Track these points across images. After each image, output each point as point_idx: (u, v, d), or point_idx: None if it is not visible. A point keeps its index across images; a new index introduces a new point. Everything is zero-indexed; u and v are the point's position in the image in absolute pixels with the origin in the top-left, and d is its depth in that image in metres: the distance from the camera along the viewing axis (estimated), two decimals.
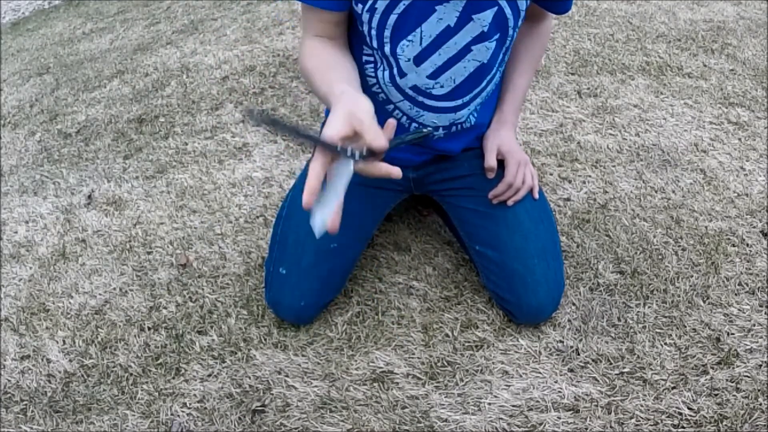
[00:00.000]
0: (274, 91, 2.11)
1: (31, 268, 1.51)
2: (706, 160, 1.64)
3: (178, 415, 1.14)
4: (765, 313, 1.23)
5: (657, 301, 1.27)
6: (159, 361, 1.24)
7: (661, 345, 1.19)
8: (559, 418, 1.08)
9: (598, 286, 1.31)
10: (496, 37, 1.03)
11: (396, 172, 0.81)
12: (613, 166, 1.64)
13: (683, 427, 1.05)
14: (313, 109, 1.98)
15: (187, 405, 1.16)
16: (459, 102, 1.10)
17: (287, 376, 1.19)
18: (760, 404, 1.07)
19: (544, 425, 1.07)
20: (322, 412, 1.12)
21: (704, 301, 1.26)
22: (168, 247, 1.51)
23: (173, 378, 1.21)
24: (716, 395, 1.10)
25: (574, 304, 1.27)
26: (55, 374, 1.24)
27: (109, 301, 1.39)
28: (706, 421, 1.06)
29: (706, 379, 1.12)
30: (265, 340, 1.26)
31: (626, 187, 1.57)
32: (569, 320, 1.24)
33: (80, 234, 1.59)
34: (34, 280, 1.47)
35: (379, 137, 0.78)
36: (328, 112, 1.31)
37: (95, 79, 2.44)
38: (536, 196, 1.22)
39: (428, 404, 1.12)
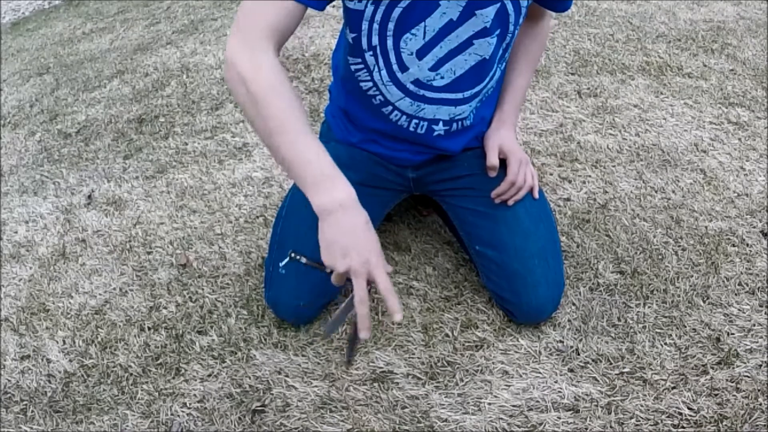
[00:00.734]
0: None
1: (31, 268, 1.51)
2: (706, 160, 1.64)
3: (178, 415, 1.14)
4: (765, 313, 1.23)
5: (657, 301, 1.27)
6: (159, 361, 1.24)
7: (661, 345, 1.19)
8: (559, 418, 1.08)
9: (598, 286, 1.31)
10: (497, 33, 1.03)
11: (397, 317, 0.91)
12: (613, 166, 1.64)
13: (683, 427, 1.05)
14: (313, 109, 1.98)
15: (187, 405, 1.16)
16: (460, 96, 1.10)
17: (287, 376, 1.19)
18: (760, 404, 1.07)
19: (544, 425, 1.07)
20: (322, 412, 1.12)
21: (704, 301, 1.26)
22: (168, 247, 1.51)
23: (173, 378, 1.21)
24: (716, 395, 1.10)
25: (574, 304, 1.27)
26: (55, 374, 1.24)
27: (109, 301, 1.39)
28: (706, 421, 1.06)
29: (706, 379, 1.12)
30: (265, 340, 1.26)
31: (626, 187, 1.57)
32: (569, 320, 1.24)
33: (80, 234, 1.59)
34: (34, 280, 1.47)
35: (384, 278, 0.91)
36: (328, 113, 1.31)
37: (95, 79, 2.44)
38: (536, 195, 1.22)
39: (428, 404, 1.12)
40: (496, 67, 1.11)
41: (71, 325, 1.34)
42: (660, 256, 1.37)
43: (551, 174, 1.63)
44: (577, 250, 1.40)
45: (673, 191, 1.55)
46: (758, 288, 1.28)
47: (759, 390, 1.10)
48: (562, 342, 1.21)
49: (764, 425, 1.05)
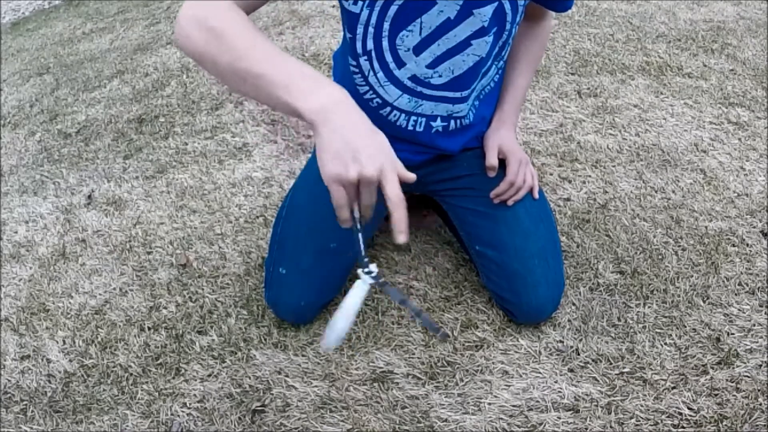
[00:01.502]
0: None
1: (31, 268, 1.51)
2: (706, 160, 1.64)
3: (178, 415, 1.14)
4: (765, 313, 1.23)
5: (657, 301, 1.27)
6: (159, 361, 1.24)
7: (661, 345, 1.19)
8: (559, 418, 1.08)
9: (598, 286, 1.31)
10: (494, 30, 1.03)
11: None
12: (613, 166, 1.64)
13: (683, 427, 1.05)
14: None
15: (187, 405, 1.16)
16: (458, 94, 1.10)
17: (287, 376, 1.19)
18: (760, 404, 1.07)
19: (544, 425, 1.07)
20: (322, 412, 1.12)
21: (704, 301, 1.26)
22: (168, 247, 1.51)
23: (173, 378, 1.21)
24: (716, 395, 1.10)
25: (574, 304, 1.27)
26: (55, 374, 1.24)
27: (109, 301, 1.39)
28: (706, 421, 1.06)
29: (706, 379, 1.12)
30: (265, 340, 1.26)
31: (626, 187, 1.57)
32: (569, 320, 1.24)
33: (80, 234, 1.59)
34: (34, 280, 1.47)
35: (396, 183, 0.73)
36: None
37: (95, 79, 2.44)
38: (536, 195, 1.22)
39: (428, 404, 1.12)
40: (490, 64, 1.11)
41: (71, 325, 1.34)
42: (660, 256, 1.37)
43: (551, 174, 1.63)
44: (577, 250, 1.40)
45: (673, 191, 1.55)
46: (758, 288, 1.28)
47: (759, 390, 1.10)
48: (562, 342, 1.21)
49: (764, 425, 1.05)
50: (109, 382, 1.21)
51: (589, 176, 1.61)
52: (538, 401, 1.11)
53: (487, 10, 1.00)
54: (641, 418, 1.07)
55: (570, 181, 1.60)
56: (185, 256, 1.47)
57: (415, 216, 1.51)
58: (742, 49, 2.17)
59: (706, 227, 1.44)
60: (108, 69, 2.52)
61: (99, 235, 1.58)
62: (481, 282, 1.30)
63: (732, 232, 1.42)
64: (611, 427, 1.06)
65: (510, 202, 1.20)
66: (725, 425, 1.05)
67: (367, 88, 1.10)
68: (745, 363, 1.14)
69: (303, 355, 1.22)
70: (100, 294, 1.41)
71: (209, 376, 1.20)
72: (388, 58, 1.05)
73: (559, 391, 1.12)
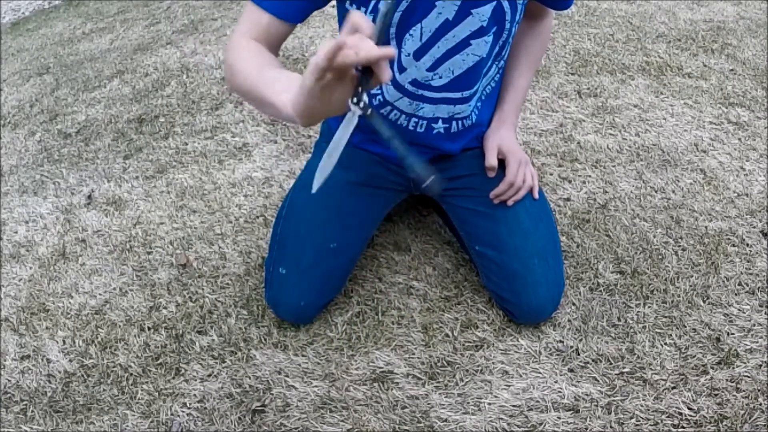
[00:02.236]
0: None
1: (31, 268, 1.51)
2: (706, 160, 1.64)
3: (178, 415, 1.14)
4: (765, 313, 1.23)
5: (657, 301, 1.27)
6: (159, 361, 1.24)
7: (661, 345, 1.19)
8: (559, 418, 1.08)
9: (598, 286, 1.31)
10: (493, 30, 1.03)
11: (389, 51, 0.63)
12: (613, 166, 1.64)
13: (683, 427, 1.05)
14: None
15: (187, 405, 1.16)
16: (458, 95, 1.10)
17: (287, 376, 1.19)
18: (760, 404, 1.07)
19: (544, 425, 1.07)
20: (322, 412, 1.12)
21: (704, 301, 1.26)
22: (168, 247, 1.51)
23: (173, 378, 1.21)
24: (716, 395, 1.10)
25: (574, 304, 1.27)
26: (55, 374, 1.24)
27: (109, 301, 1.39)
28: (706, 421, 1.06)
29: (706, 379, 1.12)
30: (265, 340, 1.26)
31: (626, 187, 1.57)
32: (569, 320, 1.24)
33: (80, 234, 1.59)
34: (34, 280, 1.47)
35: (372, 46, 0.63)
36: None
37: (95, 79, 2.44)
38: (536, 195, 1.22)
39: (428, 404, 1.12)
40: (491, 64, 1.11)
41: (71, 325, 1.34)
42: (660, 256, 1.37)
43: (551, 174, 1.63)
44: (577, 250, 1.40)
45: (673, 191, 1.55)
46: (758, 288, 1.28)
47: (759, 390, 1.10)
48: (562, 342, 1.20)
49: (764, 425, 1.05)
50: (109, 382, 1.21)
51: (589, 176, 1.61)
52: (538, 401, 1.11)
53: (486, 10, 1.00)
54: (641, 418, 1.07)
55: (570, 181, 1.60)
56: (185, 256, 1.47)
57: (415, 216, 1.52)
58: (742, 49, 2.17)
59: (706, 227, 1.44)
60: (108, 69, 2.52)
61: (99, 235, 1.58)
62: (481, 282, 1.30)
63: (732, 232, 1.42)
64: (611, 427, 1.06)
65: (510, 203, 1.20)
66: (725, 425, 1.05)
67: None
68: (745, 363, 1.14)
69: (303, 355, 1.22)
70: (100, 294, 1.41)
71: (209, 376, 1.20)
72: (394, 59, 1.05)
73: (559, 391, 1.12)
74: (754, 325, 1.21)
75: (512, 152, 1.19)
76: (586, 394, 1.11)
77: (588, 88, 1.97)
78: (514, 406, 1.11)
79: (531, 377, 1.15)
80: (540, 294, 1.18)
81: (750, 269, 1.33)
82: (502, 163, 1.20)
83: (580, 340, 1.21)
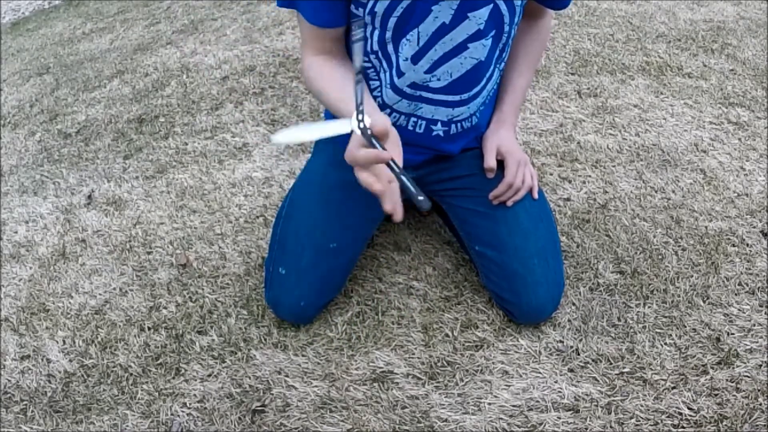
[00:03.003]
0: (274, 91, 2.11)
1: (31, 268, 1.51)
2: (706, 160, 1.64)
3: (178, 415, 1.14)
4: (765, 313, 1.23)
5: (657, 301, 1.27)
6: (159, 361, 1.24)
7: (661, 345, 1.19)
8: (559, 418, 1.08)
9: (598, 286, 1.31)
10: (492, 34, 1.03)
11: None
12: (613, 166, 1.64)
13: (683, 427, 1.05)
14: (313, 109, 1.98)
15: (187, 405, 1.16)
16: (457, 98, 1.10)
17: (287, 376, 1.19)
18: (760, 404, 1.07)
19: (544, 425, 1.07)
20: (322, 412, 1.12)
21: (704, 301, 1.26)
22: (168, 247, 1.51)
23: (173, 378, 1.21)
24: (716, 395, 1.10)
25: (574, 304, 1.27)
26: (55, 374, 1.24)
27: (109, 301, 1.39)
28: (706, 421, 1.06)
29: (706, 379, 1.12)
30: (265, 340, 1.26)
31: (626, 187, 1.57)
32: (569, 320, 1.24)
33: (80, 234, 1.59)
34: (34, 280, 1.47)
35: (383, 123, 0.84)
36: (327, 114, 1.31)
37: (95, 79, 2.44)
38: (536, 196, 1.22)
39: (428, 404, 1.12)
40: (493, 68, 1.11)
41: (71, 325, 1.34)
42: (660, 256, 1.37)
43: (551, 174, 1.63)
44: (577, 250, 1.40)
45: (673, 191, 1.55)
46: (758, 288, 1.28)
47: (759, 390, 1.10)
48: (562, 342, 1.21)
49: (764, 425, 1.05)
50: (109, 382, 1.21)
51: (589, 176, 1.61)
52: (538, 401, 1.11)
53: (482, 13, 1.00)
54: (641, 418, 1.07)
55: (570, 181, 1.60)
56: (185, 256, 1.47)
57: (415, 216, 1.52)
58: (742, 49, 2.17)
59: (706, 227, 1.44)
60: (108, 69, 2.52)
61: (99, 235, 1.58)
62: (481, 282, 1.30)
63: (732, 232, 1.42)
64: (611, 427, 1.06)
65: (509, 203, 1.20)
66: (725, 425, 1.05)
67: (378, 83, 1.10)
68: (745, 363, 1.14)
69: (303, 355, 1.22)
70: (100, 294, 1.41)
71: (209, 376, 1.20)
72: (393, 61, 1.06)
73: (559, 391, 1.12)
74: (754, 325, 1.21)
75: (511, 153, 1.19)
76: (586, 394, 1.11)
77: (588, 88, 1.97)
78: (514, 406, 1.11)
79: (531, 377, 1.15)
80: (540, 294, 1.18)
81: (750, 269, 1.33)
82: (501, 163, 1.20)
83: (580, 340, 1.21)
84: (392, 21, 0.99)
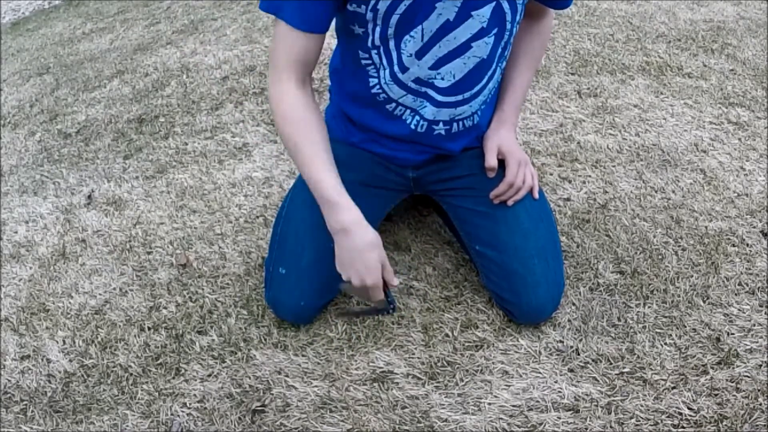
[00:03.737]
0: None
1: (31, 268, 1.51)
2: (706, 160, 1.64)
3: (178, 415, 1.14)
4: (765, 313, 1.23)
5: (657, 301, 1.27)
6: (159, 361, 1.24)
7: (661, 345, 1.19)
8: (559, 418, 1.08)
9: (598, 286, 1.31)
10: (494, 31, 1.03)
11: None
12: (613, 166, 1.64)
13: (683, 427, 1.05)
14: None
15: (187, 405, 1.16)
16: (460, 97, 1.11)
17: (287, 376, 1.19)
18: (760, 404, 1.07)
19: (544, 425, 1.07)
20: (322, 412, 1.12)
21: (704, 301, 1.26)
22: (168, 247, 1.51)
23: (173, 378, 1.21)
24: (716, 395, 1.10)
25: (574, 304, 1.27)
26: (55, 374, 1.24)
27: (109, 301, 1.39)
28: (706, 421, 1.06)
29: (706, 379, 1.12)
30: (265, 340, 1.26)
31: (626, 187, 1.57)
32: (569, 320, 1.24)
33: (80, 234, 1.59)
34: (34, 280, 1.47)
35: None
36: (328, 113, 1.31)
37: (95, 79, 2.44)
38: (536, 195, 1.22)
39: (428, 404, 1.12)
40: (495, 66, 1.11)
41: (71, 325, 1.34)
42: (660, 256, 1.37)
43: (551, 174, 1.63)
44: (577, 250, 1.40)
45: (673, 191, 1.55)
46: (758, 288, 1.28)
47: (759, 390, 1.10)
48: (562, 342, 1.21)
49: (764, 425, 1.05)
50: (109, 382, 1.22)
51: (589, 176, 1.61)
52: (538, 401, 1.11)
53: (485, 11, 1.00)
54: (641, 418, 1.07)
55: (570, 181, 1.60)
56: (185, 256, 1.47)
57: (415, 216, 1.52)
58: (742, 49, 2.17)
59: (706, 227, 1.44)
60: (108, 69, 2.52)
61: (99, 235, 1.58)
62: (481, 282, 1.30)
63: (732, 232, 1.42)
64: (611, 427, 1.06)
65: (510, 203, 1.20)
66: (725, 425, 1.05)
67: (376, 81, 1.10)
68: (745, 363, 1.14)
69: (303, 355, 1.22)
70: (100, 294, 1.41)
71: (209, 376, 1.20)
72: (394, 59, 1.06)
73: (559, 391, 1.12)
74: (754, 325, 1.21)
75: (512, 152, 1.19)
76: (586, 394, 1.11)
77: (588, 88, 1.97)
78: (514, 406, 1.11)
79: (531, 377, 1.15)
80: (540, 294, 1.18)
81: (750, 269, 1.33)
82: (501, 163, 1.20)
83: (580, 340, 1.21)
84: (395, 18, 0.99)
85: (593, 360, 1.17)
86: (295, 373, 1.19)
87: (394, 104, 1.12)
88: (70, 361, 1.27)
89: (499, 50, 1.08)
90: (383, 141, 1.21)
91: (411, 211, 1.53)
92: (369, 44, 1.05)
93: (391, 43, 1.04)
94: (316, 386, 1.16)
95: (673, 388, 1.11)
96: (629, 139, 1.74)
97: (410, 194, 1.35)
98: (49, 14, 3.71)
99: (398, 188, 1.30)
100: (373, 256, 1.05)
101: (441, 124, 1.14)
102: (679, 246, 1.39)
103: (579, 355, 1.18)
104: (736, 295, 1.27)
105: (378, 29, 1.02)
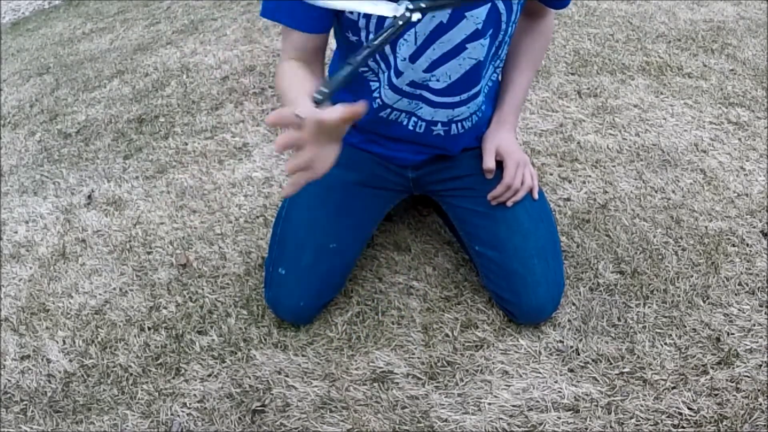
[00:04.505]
0: (274, 91, 2.11)
1: (31, 268, 1.51)
2: (706, 160, 1.64)
3: (178, 415, 1.14)
4: (765, 313, 1.23)
5: (657, 301, 1.27)
6: (159, 361, 1.24)
7: (661, 345, 1.19)
8: (559, 418, 1.08)
9: (598, 286, 1.31)
10: (490, 33, 1.03)
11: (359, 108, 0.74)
12: (613, 166, 1.64)
13: (683, 427, 1.05)
14: None
15: (187, 405, 1.16)
16: (456, 99, 1.10)
17: (287, 376, 1.19)
18: (760, 404, 1.07)
19: (544, 425, 1.07)
20: (322, 412, 1.12)
21: (704, 301, 1.26)
22: (168, 247, 1.51)
23: (173, 378, 1.21)
24: (716, 395, 1.10)
25: (574, 304, 1.27)
26: (55, 374, 1.24)
27: (109, 301, 1.39)
28: (706, 421, 1.06)
29: (706, 379, 1.12)
30: (265, 340, 1.26)
31: (626, 187, 1.57)
32: (569, 320, 1.24)
33: (80, 234, 1.59)
34: (34, 280, 1.47)
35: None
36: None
37: (95, 79, 2.44)
38: (536, 196, 1.22)
39: (428, 404, 1.12)
40: (488, 65, 1.11)
41: (71, 325, 1.34)
42: (660, 256, 1.37)
43: (551, 174, 1.63)
44: (577, 250, 1.40)
45: (673, 191, 1.55)
46: (758, 288, 1.28)
47: (759, 390, 1.10)
48: (562, 342, 1.21)
49: (764, 425, 1.05)
50: (109, 382, 1.21)
51: (589, 176, 1.61)
52: (538, 401, 1.11)
53: (480, 13, 0.99)
54: (641, 418, 1.07)
55: (570, 181, 1.60)
56: (185, 256, 1.47)
57: (415, 216, 1.52)
58: (742, 49, 2.17)
59: (706, 227, 1.44)
60: (108, 69, 2.52)
61: (99, 235, 1.58)
62: (481, 282, 1.30)
63: (732, 232, 1.42)
64: (611, 427, 1.06)
65: (509, 204, 1.20)
66: (725, 425, 1.05)
67: (377, 85, 1.10)
68: (745, 363, 1.14)
69: (303, 355, 1.22)
70: (100, 294, 1.41)
71: (209, 376, 1.20)
72: (391, 62, 1.06)
73: (559, 391, 1.12)
74: (754, 325, 1.21)
75: (510, 154, 1.19)
76: (586, 394, 1.11)
77: (588, 88, 1.97)
78: (514, 406, 1.11)
79: (531, 377, 1.15)
80: (540, 294, 1.18)
81: (750, 269, 1.33)
82: (501, 164, 1.20)
83: (580, 340, 1.21)
84: (389, 21, 0.99)
85: (593, 360, 1.17)
86: (295, 373, 1.19)
87: (389, 110, 1.12)
88: (70, 361, 1.27)
89: (493, 50, 1.08)
90: (383, 141, 1.21)
91: (411, 211, 1.53)
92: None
93: (387, 49, 1.04)
94: (316, 386, 1.16)
95: (673, 388, 1.11)
96: (629, 139, 1.74)
97: (410, 194, 1.34)
98: (49, 14, 3.71)
99: (398, 188, 1.30)
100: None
101: (439, 125, 1.14)
102: (679, 246, 1.39)
103: (579, 355, 1.18)
104: (736, 295, 1.27)
105: (371, 36, 1.02)
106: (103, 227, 1.60)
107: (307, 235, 1.22)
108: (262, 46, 2.44)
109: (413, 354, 1.21)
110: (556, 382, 1.14)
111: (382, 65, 1.07)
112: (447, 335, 1.24)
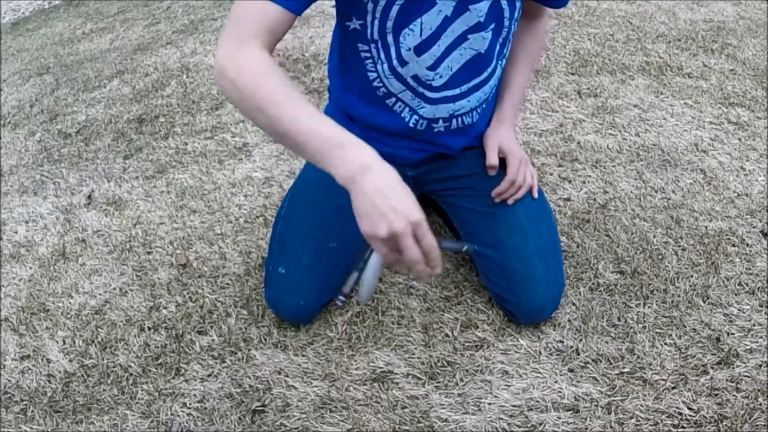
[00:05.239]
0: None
1: (31, 268, 1.51)
2: (706, 160, 1.64)
3: (178, 415, 1.14)
4: (765, 313, 1.23)
5: (657, 301, 1.27)
6: (159, 361, 1.24)
7: (661, 345, 1.19)
8: (559, 418, 1.08)
9: (598, 286, 1.31)
10: (492, 27, 1.03)
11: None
12: (613, 166, 1.64)
13: (683, 427, 1.05)
14: None
15: (187, 405, 1.16)
16: (457, 91, 1.10)
17: (287, 376, 1.19)
18: (760, 404, 1.07)
19: (544, 425, 1.07)
20: (322, 412, 1.12)
21: (704, 301, 1.26)
22: (168, 247, 1.51)
23: (173, 378, 1.21)
24: (716, 395, 1.10)
25: (574, 304, 1.27)
26: (55, 374, 1.24)
27: (109, 301, 1.39)
28: (706, 421, 1.06)
29: (706, 379, 1.12)
30: (265, 340, 1.26)
31: (626, 187, 1.57)
32: (569, 320, 1.24)
33: (80, 234, 1.59)
34: (34, 280, 1.47)
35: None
36: (328, 112, 1.31)
37: (95, 79, 2.44)
38: (535, 195, 1.22)
39: (428, 404, 1.12)
40: (495, 63, 1.11)
41: (71, 325, 1.34)
42: (660, 256, 1.37)
43: (551, 174, 1.63)
44: (577, 250, 1.40)
45: (673, 191, 1.55)
46: (758, 288, 1.28)
47: (759, 390, 1.10)
48: (562, 342, 1.21)
49: (764, 425, 1.05)
50: (109, 382, 1.21)
51: (589, 176, 1.61)
52: (538, 401, 1.11)
53: (483, 6, 1.00)
54: (641, 418, 1.07)
55: (570, 181, 1.60)
56: (185, 256, 1.47)
57: None
58: (742, 49, 2.17)
59: (706, 227, 1.44)
60: (108, 69, 2.52)
61: (99, 235, 1.58)
62: (481, 282, 1.30)
63: (732, 232, 1.42)
64: (611, 427, 1.06)
65: (510, 201, 1.20)
66: (725, 425, 1.05)
67: (375, 74, 1.10)
68: (745, 363, 1.14)
69: (303, 355, 1.22)
70: (100, 294, 1.41)
71: (209, 376, 1.20)
72: (393, 53, 1.05)
73: (559, 391, 1.12)
74: (754, 325, 1.21)
75: (512, 151, 1.19)
76: (586, 394, 1.11)
77: (588, 88, 1.97)
78: (514, 406, 1.11)
79: (531, 377, 1.15)
80: (540, 294, 1.18)
81: (750, 269, 1.33)
82: (502, 161, 1.20)
83: (580, 340, 1.21)
84: (395, 10, 0.99)
85: (593, 360, 1.17)
86: (295, 373, 1.19)
87: (394, 99, 1.12)
88: (70, 361, 1.27)
89: (498, 47, 1.08)
90: (383, 139, 1.21)
91: None
92: (368, 37, 1.05)
93: (389, 38, 1.04)
94: (316, 386, 1.16)
95: (673, 388, 1.11)
96: (629, 139, 1.74)
97: None
98: (49, 14, 3.71)
99: None
100: (404, 189, 0.81)
101: (441, 122, 1.14)
102: (679, 246, 1.39)
103: (579, 355, 1.18)
104: (736, 295, 1.27)
105: (377, 22, 1.02)
106: (103, 227, 1.60)
107: (307, 235, 1.22)
108: None
109: (413, 354, 1.21)
110: (556, 382, 1.14)
111: (382, 54, 1.06)
112: (447, 335, 1.24)
